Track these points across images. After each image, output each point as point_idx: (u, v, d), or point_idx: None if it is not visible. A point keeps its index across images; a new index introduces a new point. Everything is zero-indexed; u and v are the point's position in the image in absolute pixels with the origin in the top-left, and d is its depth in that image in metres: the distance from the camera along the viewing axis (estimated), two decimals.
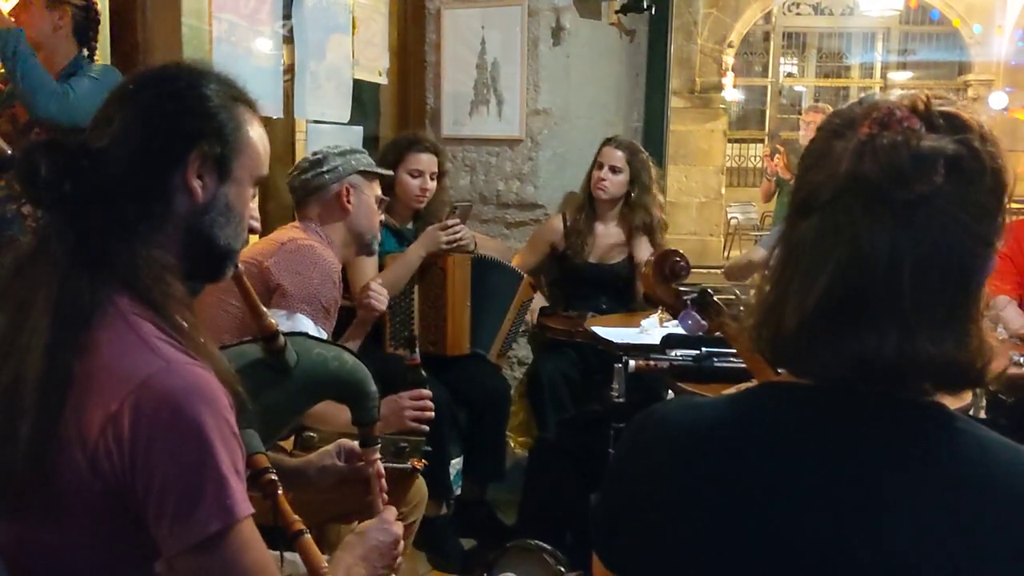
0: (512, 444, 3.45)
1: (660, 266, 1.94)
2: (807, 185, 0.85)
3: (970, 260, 0.81)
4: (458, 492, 3.04)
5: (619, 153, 3.42)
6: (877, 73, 14.10)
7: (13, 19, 2.47)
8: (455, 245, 2.98)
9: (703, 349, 2.16)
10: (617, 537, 0.92)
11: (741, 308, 1.72)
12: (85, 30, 2.62)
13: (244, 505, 1.07)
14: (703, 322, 1.79)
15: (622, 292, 3.49)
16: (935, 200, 0.78)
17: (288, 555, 1.32)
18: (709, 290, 1.80)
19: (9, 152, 2.07)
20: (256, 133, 1.26)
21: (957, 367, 0.81)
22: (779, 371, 0.92)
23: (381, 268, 2.98)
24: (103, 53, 2.76)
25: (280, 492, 1.31)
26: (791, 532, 0.80)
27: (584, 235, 3.46)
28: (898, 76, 13.73)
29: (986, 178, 0.80)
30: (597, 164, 3.44)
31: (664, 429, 0.91)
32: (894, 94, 0.85)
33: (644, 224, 3.45)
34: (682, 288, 1.89)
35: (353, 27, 3.43)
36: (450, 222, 2.97)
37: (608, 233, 3.50)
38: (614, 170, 3.41)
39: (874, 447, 0.81)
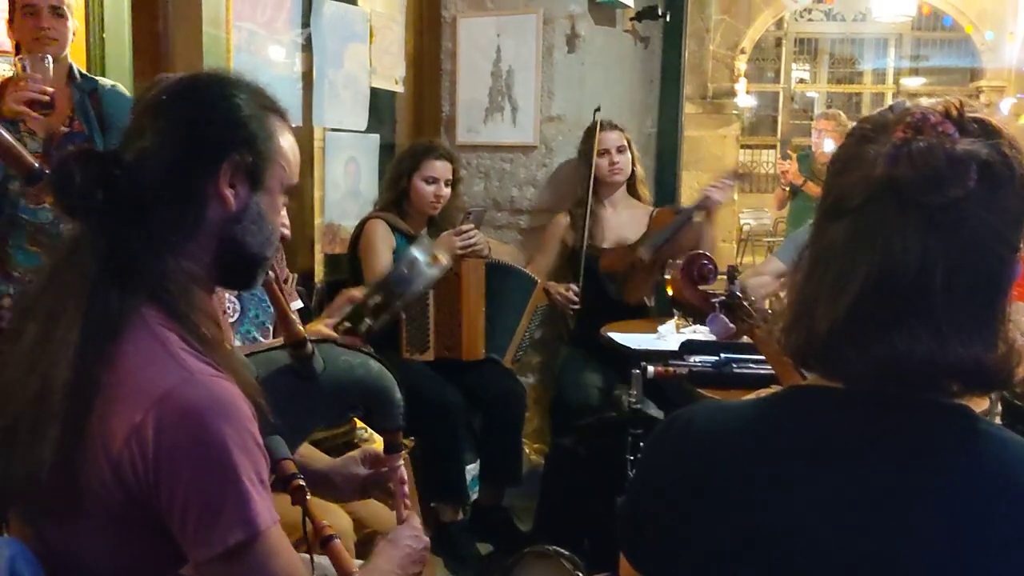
0: (527, 451, 3.46)
1: (688, 269, 1.93)
2: (837, 189, 0.86)
3: (999, 264, 0.82)
4: (475, 497, 3.06)
5: (617, 134, 3.41)
6: (889, 79, 14.04)
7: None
8: (469, 250, 2.99)
9: (722, 355, 2.17)
10: (644, 538, 0.93)
11: (769, 312, 1.73)
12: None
13: (267, 515, 1.08)
14: (731, 325, 1.78)
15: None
16: (967, 204, 0.80)
17: (318, 558, 1.33)
18: (738, 293, 1.80)
19: (36, 165, 2.07)
20: (287, 142, 1.26)
21: (986, 369, 0.82)
22: (806, 376, 0.93)
23: None
24: (122, 58, 2.77)
25: (309, 497, 1.32)
26: (818, 533, 0.81)
27: (594, 223, 3.39)
28: (910, 82, 13.68)
29: (1015, 183, 0.81)
30: (599, 152, 3.37)
31: (692, 432, 0.92)
32: (924, 101, 0.85)
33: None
34: (709, 291, 1.89)
35: (370, 36, 3.46)
36: (464, 227, 2.99)
37: (619, 215, 3.46)
38: (621, 150, 3.41)
39: (900, 449, 0.82)
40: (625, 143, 3.43)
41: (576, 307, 3.30)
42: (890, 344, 0.81)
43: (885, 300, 0.81)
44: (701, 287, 1.91)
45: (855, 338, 0.83)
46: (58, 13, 2.48)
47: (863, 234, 0.83)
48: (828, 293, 0.84)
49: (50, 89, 2.23)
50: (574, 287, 3.30)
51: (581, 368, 3.24)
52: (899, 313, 0.81)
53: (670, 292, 2.90)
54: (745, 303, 1.77)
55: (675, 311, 2.96)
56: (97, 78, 2.58)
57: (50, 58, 2.29)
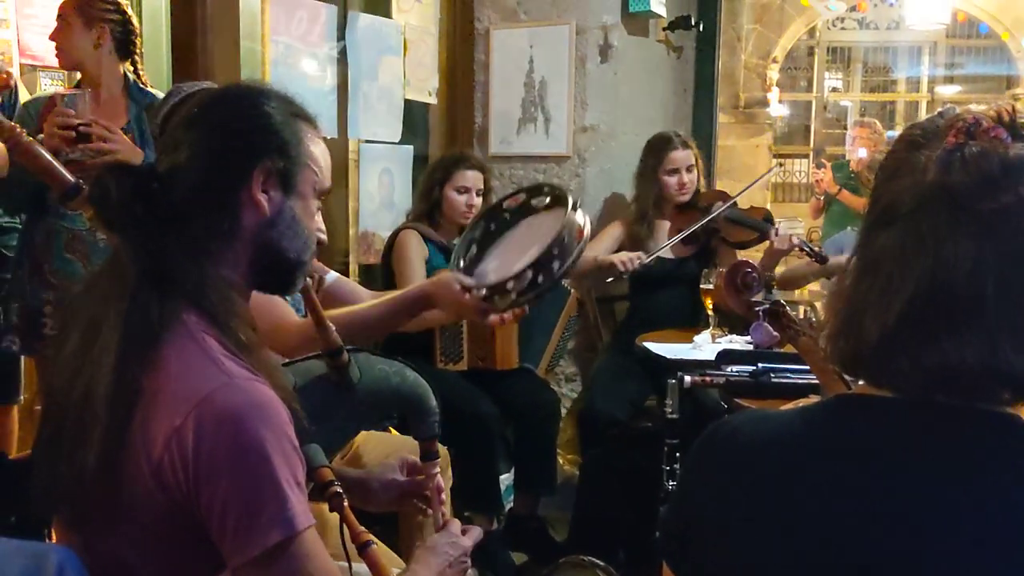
0: (561, 461, 3.45)
1: (732, 277, 1.92)
2: (887, 195, 0.85)
3: None
4: (509, 507, 3.05)
5: (687, 152, 3.35)
6: (924, 87, 13.90)
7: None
8: None
9: (760, 364, 2.15)
10: (688, 548, 0.92)
11: (812, 321, 1.71)
12: (125, 44, 2.57)
13: (304, 517, 1.09)
14: (775, 334, 1.76)
15: (688, 289, 3.35)
16: (1019, 210, 0.79)
17: (356, 566, 1.33)
18: (781, 301, 1.79)
19: (72, 180, 2.10)
20: (318, 148, 1.29)
21: None
22: (851, 385, 0.92)
23: None
24: (160, 72, 2.81)
25: (346, 504, 1.33)
26: (865, 546, 0.79)
27: (646, 239, 3.36)
28: (945, 90, 13.52)
29: None
30: (668, 170, 3.33)
31: (738, 441, 0.91)
32: (975, 106, 0.85)
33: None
34: (753, 300, 1.87)
35: (404, 48, 3.49)
36: None
37: (665, 231, 3.42)
38: (689, 169, 3.35)
39: (952, 459, 0.81)
40: (694, 160, 3.37)
41: (629, 271, 3.20)
42: (941, 351, 0.80)
43: (936, 307, 0.80)
44: (744, 296, 1.90)
45: (906, 346, 0.82)
46: (64, 21, 2.51)
47: (914, 241, 0.82)
48: (877, 300, 0.83)
49: (75, 122, 2.22)
50: (643, 255, 3.22)
51: (614, 379, 3.22)
52: (951, 320, 0.80)
53: (709, 303, 2.89)
54: (789, 311, 1.75)
55: (711, 321, 2.94)
56: (154, 91, 2.61)
57: (87, 94, 2.32)
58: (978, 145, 0.80)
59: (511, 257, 1.74)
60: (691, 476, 0.96)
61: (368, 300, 2.08)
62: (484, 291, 1.71)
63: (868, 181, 3.86)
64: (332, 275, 2.20)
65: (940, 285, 0.80)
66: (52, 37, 2.55)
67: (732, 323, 2.90)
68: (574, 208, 1.71)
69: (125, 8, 2.57)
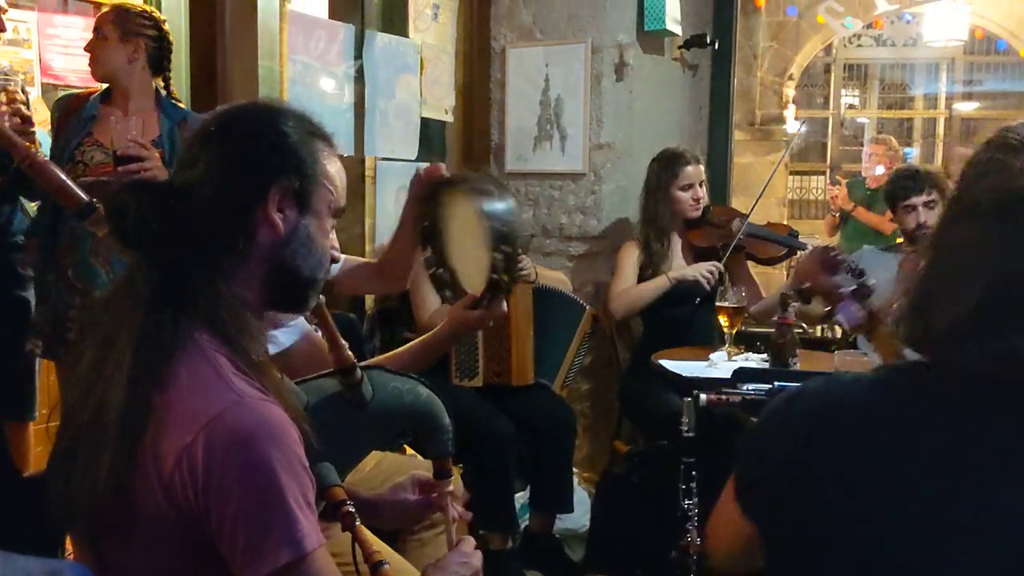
0: (576, 480, 3.43)
1: (821, 258, 2.01)
2: (971, 193, 0.89)
3: None
4: (525, 524, 3.03)
5: (699, 166, 3.35)
6: (942, 104, 13.82)
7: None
8: (517, 275, 2.98)
9: (776, 383, 2.13)
10: (760, 490, 0.97)
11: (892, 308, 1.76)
12: (159, 60, 2.59)
13: (314, 537, 1.09)
14: (862, 312, 1.81)
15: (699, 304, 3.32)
16: None
17: None
18: (868, 284, 1.85)
19: (87, 199, 2.11)
20: (334, 167, 1.29)
21: None
22: None
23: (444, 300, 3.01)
24: (180, 90, 2.83)
25: (358, 523, 1.32)
26: (939, 506, 0.82)
27: (664, 258, 3.33)
28: (963, 107, 13.45)
29: None
30: (682, 186, 3.30)
31: (808, 404, 0.94)
32: None
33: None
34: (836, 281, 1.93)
35: (421, 67, 3.51)
36: None
37: (679, 248, 3.41)
38: (701, 184, 3.35)
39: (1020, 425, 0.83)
40: (703, 175, 3.38)
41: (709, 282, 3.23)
42: (1010, 346, 0.83)
43: (1007, 306, 0.83)
44: (832, 276, 1.95)
45: (975, 336, 0.85)
46: (100, 34, 2.53)
47: (990, 240, 0.85)
48: (949, 291, 0.87)
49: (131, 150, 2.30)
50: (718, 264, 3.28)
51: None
52: (1020, 319, 0.83)
53: (724, 320, 2.87)
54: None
55: (727, 338, 2.92)
56: (187, 108, 2.62)
57: (135, 120, 2.36)
58: None
59: (471, 253, 1.76)
60: (762, 438, 0.99)
61: (362, 268, 2.24)
62: (485, 297, 1.77)
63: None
64: (337, 265, 2.18)
65: (1013, 286, 0.83)
66: (87, 48, 2.57)
67: (748, 341, 2.89)
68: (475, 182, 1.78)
69: (162, 24, 2.59)
